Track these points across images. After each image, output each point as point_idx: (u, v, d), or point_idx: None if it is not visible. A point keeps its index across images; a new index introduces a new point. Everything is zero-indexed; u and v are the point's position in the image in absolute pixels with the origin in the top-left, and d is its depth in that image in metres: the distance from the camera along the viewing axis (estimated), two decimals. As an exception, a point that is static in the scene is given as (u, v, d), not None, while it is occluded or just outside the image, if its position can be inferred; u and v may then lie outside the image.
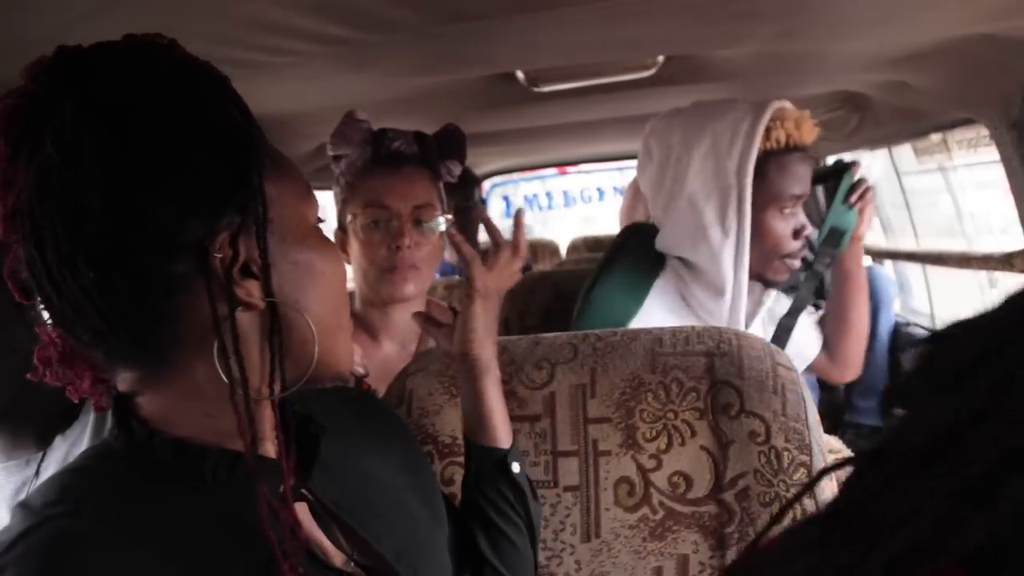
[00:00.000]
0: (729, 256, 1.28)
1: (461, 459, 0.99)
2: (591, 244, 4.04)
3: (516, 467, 0.87)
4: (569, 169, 4.62)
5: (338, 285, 0.66)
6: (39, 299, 0.58)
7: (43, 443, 0.99)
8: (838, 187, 1.44)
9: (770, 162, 1.26)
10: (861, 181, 1.45)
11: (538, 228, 5.00)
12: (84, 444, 0.99)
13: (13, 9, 0.71)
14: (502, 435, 0.88)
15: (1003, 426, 0.29)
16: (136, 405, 0.60)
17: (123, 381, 0.60)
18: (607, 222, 4.73)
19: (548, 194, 5.16)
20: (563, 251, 4.15)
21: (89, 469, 0.60)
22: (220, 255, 0.56)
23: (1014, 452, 0.28)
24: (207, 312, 0.56)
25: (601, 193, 5.01)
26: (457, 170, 1.37)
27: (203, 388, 0.58)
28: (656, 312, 1.35)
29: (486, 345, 0.90)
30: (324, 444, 0.69)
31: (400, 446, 0.84)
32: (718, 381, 0.97)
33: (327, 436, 0.70)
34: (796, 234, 1.30)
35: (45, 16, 0.74)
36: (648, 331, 1.06)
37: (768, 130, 1.25)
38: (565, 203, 5.20)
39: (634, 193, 2.27)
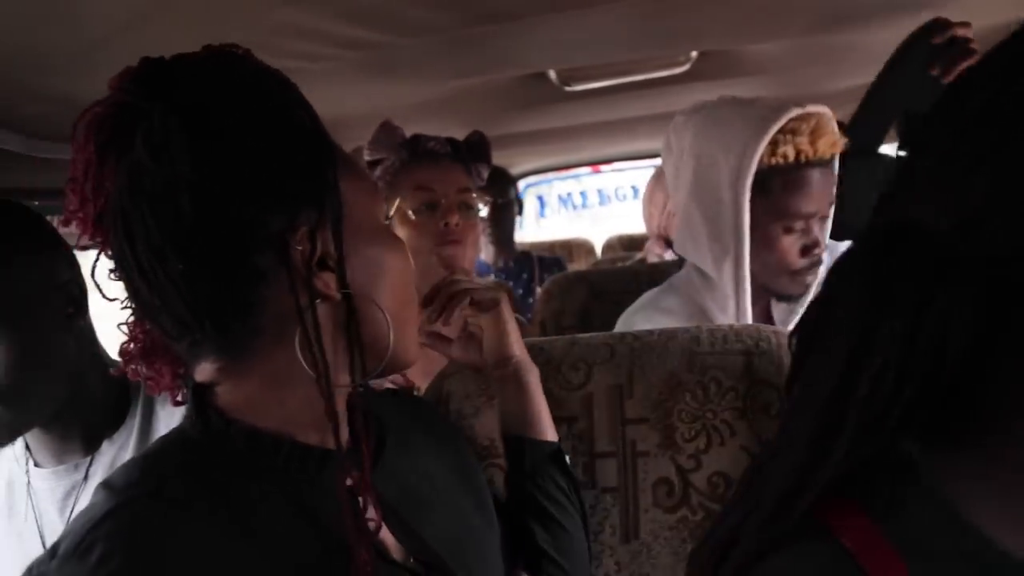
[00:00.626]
0: (728, 273, 1.21)
1: (500, 461, 0.99)
2: (626, 243, 4.01)
3: (568, 459, 0.90)
4: (603, 167, 4.60)
5: (406, 279, 0.69)
6: (126, 295, 0.62)
7: (91, 448, 1.01)
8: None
9: (775, 179, 1.15)
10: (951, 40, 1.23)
11: (573, 227, 4.97)
12: (131, 449, 1.01)
13: (50, 22, 0.72)
14: (550, 428, 0.91)
15: None
16: (214, 395, 0.62)
17: (203, 372, 0.62)
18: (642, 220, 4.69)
19: (583, 193, 5.14)
20: (598, 250, 4.13)
21: (168, 453, 0.62)
22: (300, 248, 0.59)
23: None
24: (287, 303, 0.59)
25: (636, 191, 4.97)
26: (485, 173, 1.42)
27: (281, 378, 0.61)
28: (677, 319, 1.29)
29: (520, 343, 0.92)
30: (387, 442, 0.72)
31: (454, 448, 0.86)
32: (757, 380, 0.96)
33: (389, 436, 0.73)
34: (805, 251, 1.20)
35: (80, 29, 0.76)
36: (686, 330, 1.05)
37: (776, 143, 1.14)
38: (600, 201, 5.17)
39: (655, 183, 2.22)
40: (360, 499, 0.61)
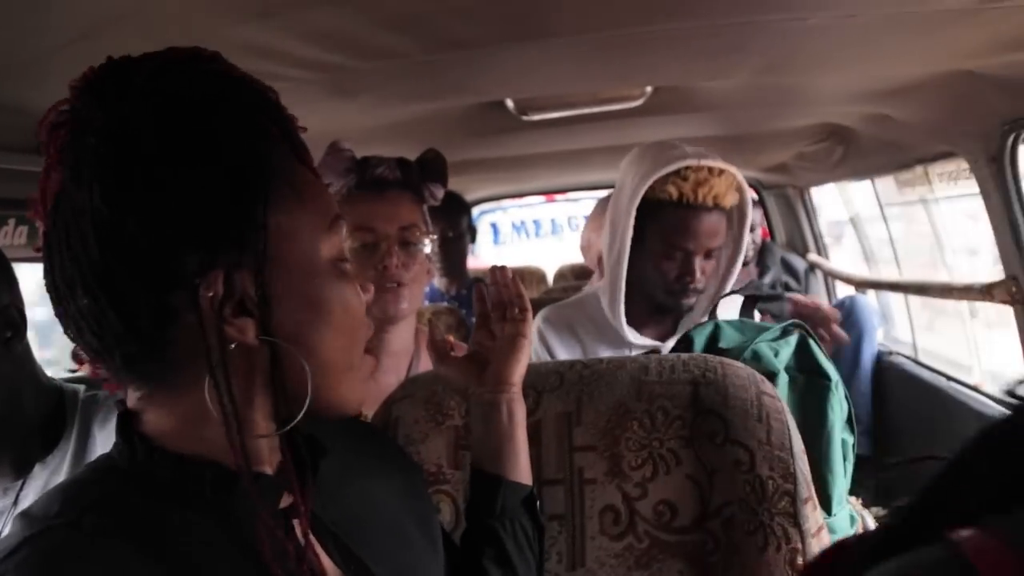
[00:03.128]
0: (608, 277, 1.45)
1: (447, 487, 0.99)
2: (578, 272, 4.04)
3: (538, 505, 0.86)
4: (557, 197, 4.64)
5: (350, 322, 0.64)
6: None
7: (22, 472, 0.97)
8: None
9: (662, 211, 1.38)
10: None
11: (525, 255, 5.00)
12: (63, 473, 0.97)
13: (2, 30, 0.71)
14: (527, 470, 0.86)
15: None
16: (141, 421, 0.60)
17: (130, 397, 0.60)
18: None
19: (536, 221, 5.18)
20: (550, 278, 4.16)
21: (91, 482, 0.60)
22: (210, 293, 0.55)
23: None
24: (201, 344, 0.55)
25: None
26: (440, 193, 1.39)
27: (200, 414, 0.58)
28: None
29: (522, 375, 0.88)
30: (325, 464, 0.68)
31: (400, 472, 0.83)
32: (703, 410, 0.97)
33: (328, 457, 0.69)
34: (678, 278, 1.42)
35: (35, 38, 0.75)
36: (634, 360, 1.06)
37: (666, 182, 1.36)
38: (552, 231, 5.23)
39: (593, 220, 2.28)
40: (294, 522, 0.60)
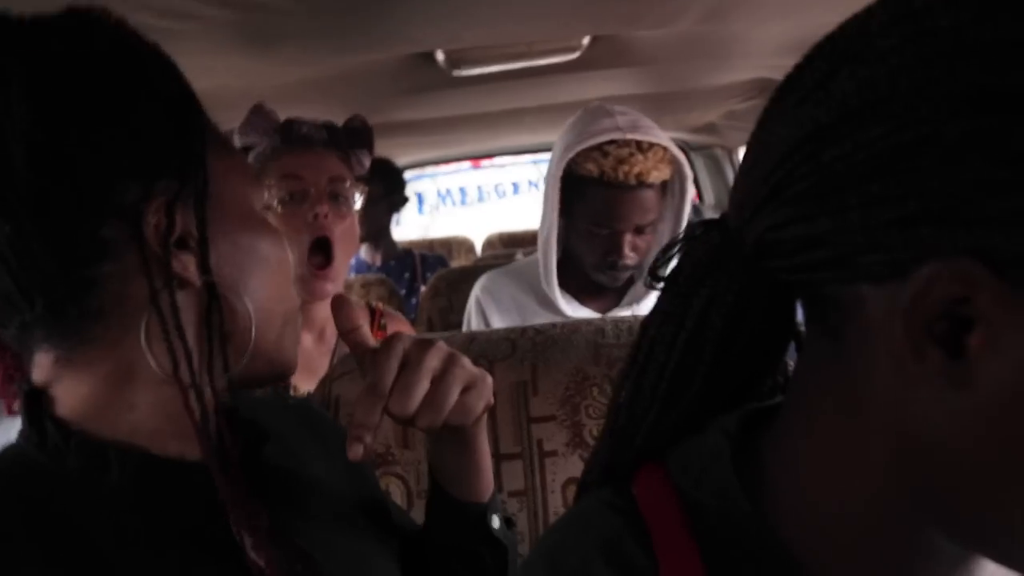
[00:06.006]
0: (542, 246, 1.41)
1: (397, 469, 0.91)
2: (507, 240, 3.98)
3: (496, 521, 0.74)
4: (483, 163, 4.54)
5: (283, 273, 0.61)
6: None
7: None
8: None
9: (585, 187, 1.32)
10: None
11: (452, 224, 4.90)
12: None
13: None
14: (485, 485, 0.73)
15: None
16: (52, 401, 0.53)
17: (39, 368, 0.53)
18: (523, 217, 4.69)
19: (462, 189, 5.07)
20: (479, 248, 4.08)
21: None
22: (154, 222, 0.52)
23: None
24: (135, 284, 0.51)
25: (516, 187, 4.96)
26: (367, 161, 1.34)
27: (127, 373, 0.53)
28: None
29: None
30: (268, 450, 0.62)
31: (343, 454, 0.75)
32: (668, 371, 0.92)
33: (272, 443, 0.63)
34: (605, 254, 1.36)
35: None
36: (589, 322, 1.01)
37: (587, 158, 1.30)
38: (479, 198, 5.13)
39: None
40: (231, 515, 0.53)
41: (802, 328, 0.45)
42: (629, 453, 0.49)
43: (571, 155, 1.31)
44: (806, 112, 0.38)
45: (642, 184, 1.30)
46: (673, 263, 0.48)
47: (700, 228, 0.47)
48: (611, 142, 1.29)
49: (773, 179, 0.39)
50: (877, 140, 0.34)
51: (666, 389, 0.46)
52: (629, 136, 1.29)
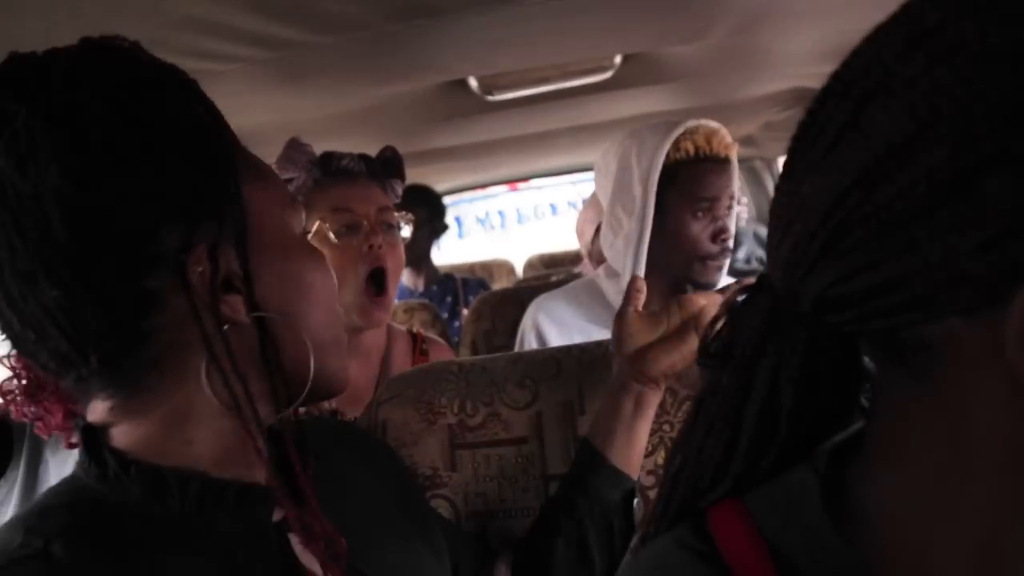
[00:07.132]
0: (630, 259, 1.36)
1: (444, 491, 0.91)
2: (547, 261, 3.98)
3: (637, 503, 0.81)
4: (520, 185, 4.56)
5: (329, 297, 0.62)
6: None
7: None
8: None
9: (680, 170, 1.33)
10: None
11: (491, 248, 4.92)
12: (13, 505, 0.89)
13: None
14: (635, 465, 0.83)
15: None
16: (109, 436, 0.54)
17: (94, 412, 0.54)
18: (562, 238, 4.69)
19: (500, 212, 5.09)
20: (519, 270, 4.09)
21: (56, 507, 0.53)
22: (200, 269, 0.52)
23: None
24: (187, 331, 0.52)
25: (554, 208, 4.97)
26: (400, 189, 1.36)
27: (185, 414, 0.54)
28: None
29: None
30: (318, 470, 0.63)
31: (394, 475, 0.78)
32: (715, 387, 0.91)
33: (320, 464, 0.64)
34: (714, 236, 1.35)
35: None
36: (634, 340, 0.99)
37: (677, 143, 1.34)
38: (518, 220, 5.14)
39: (588, 204, 2.22)
40: (294, 537, 0.55)
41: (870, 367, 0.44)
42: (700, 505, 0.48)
43: (669, 143, 1.32)
44: (843, 156, 0.36)
45: (727, 160, 1.36)
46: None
47: (742, 296, 0.46)
48: (690, 128, 1.35)
49: (824, 233, 0.37)
50: (935, 169, 0.32)
51: (741, 463, 0.45)
52: (702, 122, 1.36)
